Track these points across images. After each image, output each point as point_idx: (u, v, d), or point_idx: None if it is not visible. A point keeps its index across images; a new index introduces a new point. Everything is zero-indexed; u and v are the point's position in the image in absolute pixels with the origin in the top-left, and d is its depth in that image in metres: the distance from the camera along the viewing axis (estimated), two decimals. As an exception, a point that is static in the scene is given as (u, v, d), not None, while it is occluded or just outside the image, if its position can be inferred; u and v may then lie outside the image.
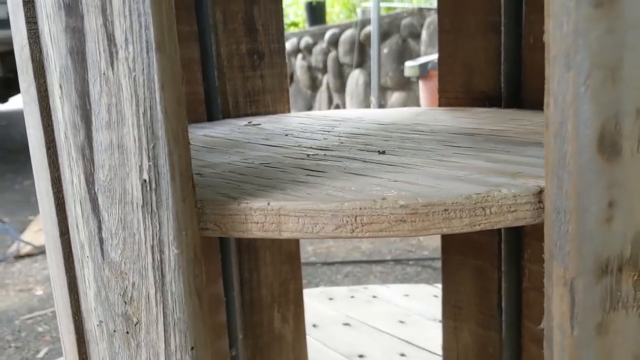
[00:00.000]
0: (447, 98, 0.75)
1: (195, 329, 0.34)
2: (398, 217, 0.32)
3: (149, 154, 0.31)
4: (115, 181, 0.33)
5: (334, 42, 5.05)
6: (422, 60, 2.21)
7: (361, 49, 4.71)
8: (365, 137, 0.54)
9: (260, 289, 0.80)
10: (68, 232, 0.39)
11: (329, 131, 0.59)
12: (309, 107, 5.68)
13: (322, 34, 5.30)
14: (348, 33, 4.84)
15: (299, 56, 5.70)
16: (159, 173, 0.32)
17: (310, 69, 5.59)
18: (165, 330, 0.34)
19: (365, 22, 4.61)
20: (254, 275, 0.79)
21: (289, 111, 0.79)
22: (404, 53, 4.25)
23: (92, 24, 0.31)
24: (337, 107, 5.19)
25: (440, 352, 0.83)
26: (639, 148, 0.31)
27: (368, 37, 4.50)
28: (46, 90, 0.38)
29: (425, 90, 2.17)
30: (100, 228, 0.35)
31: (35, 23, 0.37)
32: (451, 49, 0.74)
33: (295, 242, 0.82)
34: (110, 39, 0.31)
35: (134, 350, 0.35)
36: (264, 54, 0.76)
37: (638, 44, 0.30)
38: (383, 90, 4.45)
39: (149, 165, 0.32)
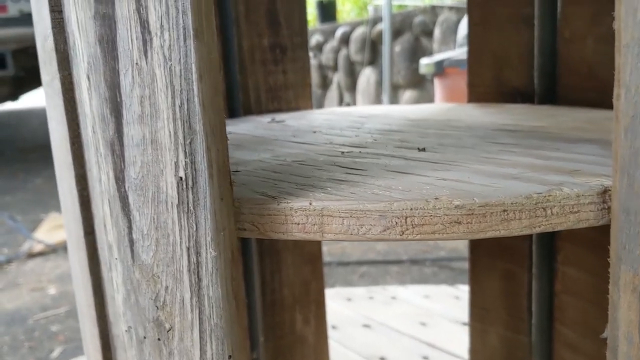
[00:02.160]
0: (477, 93, 0.72)
1: (233, 336, 0.31)
2: (453, 218, 0.30)
3: (185, 150, 0.29)
4: (148, 178, 0.31)
5: (345, 40, 5.02)
6: (437, 57, 2.18)
7: (372, 47, 4.67)
8: (398, 133, 0.51)
9: (282, 290, 0.78)
10: (94, 232, 0.37)
11: (358, 127, 0.56)
12: (320, 106, 5.65)
13: (333, 32, 5.27)
14: (359, 31, 4.81)
15: (310, 54, 5.67)
16: (196, 170, 0.29)
17: (320, 67, 5.57)
18: (200, 338, 0.31)
19: (376, 20, 4.57)
20: (276, 276, 0.77)
21: (311, 107, 0.77)
22: (416, 51, 4.21)
23: (124, 9, 0.29)
24: (348, 105, 5.16)
25: (465, 355, 0.81)
26: None
27: (379, 35, 4.46)
28: (71, 82, 0.35)
29: (441, 89, 2.14)
30: (130, 228, 0.32)
31: (60, 12, 0.35)
32: (481, 42, 0.71)
33: (318, 243, 0.80)
34: (144, 25, 0.29)
35: (166, 359, 0.33)
36: (286, 47, 0.73)
37: None
38: (395, 88, 4.41)
39: (185, 162, 0.29)
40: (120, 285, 0.34)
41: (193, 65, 0.28)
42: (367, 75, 4.74)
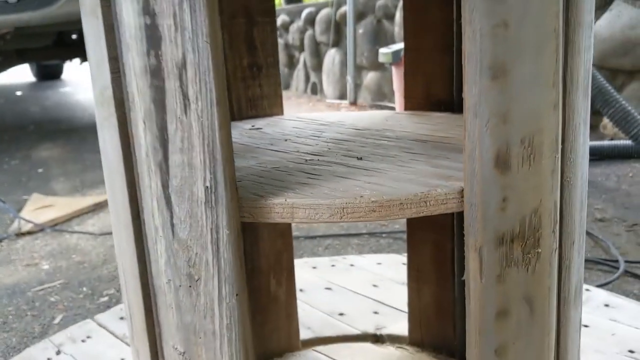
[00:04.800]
0: (411, 103, 0.93)
1: (238, 282, 0.51)
2: (370, 208, 0.50)
3: (210, 170, 0.49)
4: (185, 186, 0.50)
5: (311, 21, 5.17)
6: (395, 47, 2.38)
7: (337, 29, 4.84)
8: (346, 142, 0.71)
9: (259, 259, 0.97)
10: (139, 218, 0.56)
11: (318, 136, 0.76)
12: (287, 85, 5.80)
13: (299, 12, 5.40)
14: (324, 12, 4.96)
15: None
16: (217, 182, 0.49)
17: (287, 46, 5.70)
18: (219, 284, 0.51)
19: (340, 2, 4.73)
20: (254, 248, 0.97)
21: (282, 113, 0.96)
22: (378, 34, 4.40)
23: (171, 85, 0.48)
24: (314, 85, 5.33)
25: (406, 309, 1.02)
26: (523, 164, 0.49)
27: (344, 16, 4.63)
28: (124, 120, 0.54)
29: (398, 76, 2.34)
30: (172, 217, 0.52)
31: (117, 72, 0.53)
32: (414, 64, 0.91)
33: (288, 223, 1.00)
34: (185, 96, 0.48)
35: (195, 298, 0.53)
36: (261, 66, 0.92)
37: (520, 99, 0.48)
38: (359, 69, 4.60)
39: (210, 177, 0.49)
40: (163, 253, 0.54)
41: (216, 122, 0.47)
42: (332, 56, 4.91)
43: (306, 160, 0.64)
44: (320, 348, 1.03)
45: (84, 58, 4.58)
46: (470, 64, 0.47)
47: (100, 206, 2.36)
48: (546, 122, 0.49)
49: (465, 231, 0.51)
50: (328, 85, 4.99)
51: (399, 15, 4.14)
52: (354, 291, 1.24)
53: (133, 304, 0.61)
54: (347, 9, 4.45)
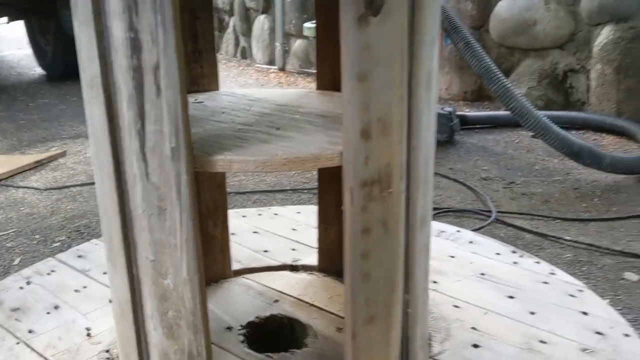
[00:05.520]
0: (322, 84, 1.19)
1: (193, 211, 0.77)
2: (282, 162, 0.76)
3: (175, 135, 0.73)
4: (157, 147, 0.74)
5: (241, -13, 5.29)
6: (318, 22, 2.62)
7: (267, -4, 5.00)
8: (269, 116, 0.97)
9: (201, 206, 1.22)
10: (119, 169, 0.80)
11: (248, 110, 1.01)
12: (217, 49, 5.91)
13: (229, -22, 5.50)
14: (254, -22, 5.10)
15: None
16: (179, 144, 0.74)
17: (217, 10, 5.80)
18: (180, 212, 0.76)
19: (270, -30, 4.88)
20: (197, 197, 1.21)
21: (218, 89, 1.20)
22: (306, 2, 4.60)
23: (149, 79, 0.72)
24: (244, 49, 5.48)
25: (317, 245, 1.30)
26: (378, 136, 0.77)
27: (273, -16, 4.79)
28: (110, 98, 0.77)
29: (320, 50, 2.60)
30: (147, 167, 0.76)
31: (105, 65, 0.76)
32: (323, 53, 1.17)
33: (223, 176, 1.24)
34: (158, 87, 0.72)
35: (163, 222, 0.78)
36: (202, 51, 1.15)
37: (377, 94, 0.75)
38: (287, 36, 4.80)
39: (174, 140, 0.73)
40: (139, 192, 0.78)
41: (179, 104, 0.72)
42: (261, 22, 5.07)
43: (239, 129, 0.89)
44: (248, 275, 1.30)
45: (11, 17, 4.52)
46: (345, 71, 0.74)
47: (42, 164, 2.51)
48: (395, 109, 0.77)
49: (343, 178, 0.78)
50: (257, 50, 5.16)
51: (325, -14, 4.35)
52: (277, 234, 1.51)
53: (112, 229, 0.85)
54: (277, -24, 4.61)
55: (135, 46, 0.72)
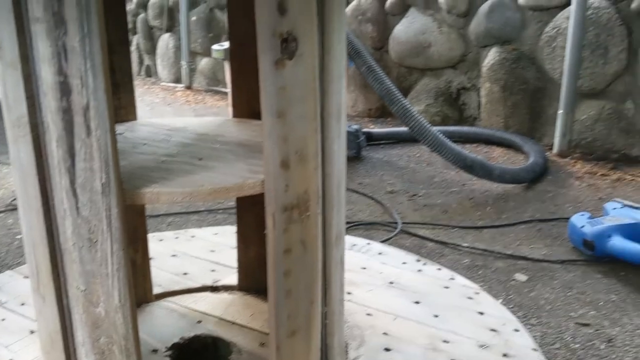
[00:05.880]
0: (238, 112, 1.26)
1: (123, 241, 0.81)
2: (208, 192, 0.83)
3: (105, 172, 0.78)
4: (87, 183, 0.79)
5: (143, 5, 5.23)
6: (227, 44, 2.68)
7: (170, 14, 4.98)
8: (190, 146, 1.03)
9: (121, 233, 1.24)
10: (47, 204, 0.83)
11: (168, 140, 1.06)
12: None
13: (131, -4, 5.41)
14: (157, -3, 5.06)
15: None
16: (109, 179, 0.78)
17: (119, 28, 5.67)
18: (111, 242, 0.81)
19: (173, -12, 4.87)
20: (116, 224, 1.24)
21: (136, 119, 1.23)
22: (211, 22, 4.64)
23: (79, 120, 0.76)
24: (148, 67, 5.41)
25: (237, 265, 1.36)
26: (297, 165, 0.85)
27: (177, 3, 4.78)
28: (38, 138, 0.81)
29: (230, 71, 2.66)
30: (77, 202, 0.80)
31: (33, 106, 0.80)
32: (239, 81, 1.24)
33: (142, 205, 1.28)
34: (88, 127, 0.76)
35: (94, 254, 0.82)
36: (119, 84, 1.19)
37: (294, 128, 0.83)
38: (193, 55, 4.81)
39: (105, 176, 0.78)
40: (69, 225, 0.81)
41: (109, 142, 0.76)
42: (165, 41, 5.04)
43: (163, 161, 0.94)
44: (170, 298, 1.33)
45: None
46: (265, 108, 0.82)
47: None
48: (310, 140, 0.86)
49: (265, 204, 0.86)
50: (163, 68, 5.12)
51: (230, 6, 4.41)
52: (195, 256, 1.55)
53: (40, 262, 0.87)
54: (180, -4, 4.62)
55: (64, 89, 0.76)
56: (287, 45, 0.80)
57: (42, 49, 0.75)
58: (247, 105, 1.25)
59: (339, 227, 0.99)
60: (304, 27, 0.81)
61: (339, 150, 0.95)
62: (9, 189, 2.45)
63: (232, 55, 1.24)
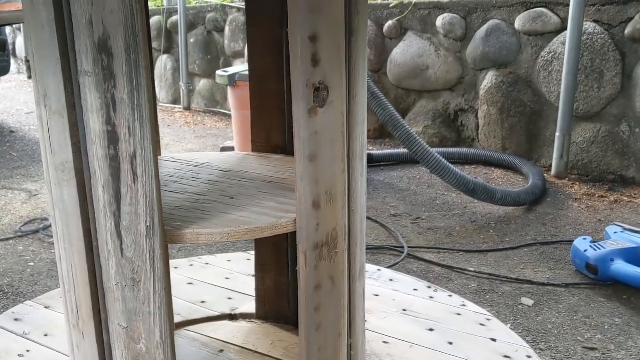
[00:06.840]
0: (257, 147, 1.30)
1: (166, 280, 0.85)
2: (244, 232, 0.87)
3: (150, 215, 0.82)
4: (132, 226, 0.83)
5: (141, 27, 5.28)
6: (231, 70, 2.73)
7: (168, 36, 5.04)
8: (219, 184, 1.07)
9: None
10: (91, 244, 0.87)
11: (197, 178, 1.11)
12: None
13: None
14: (155, 19, 5.12)
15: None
16: (154, 223, 0.82)
17: (116, 49, 5.72)
18: (154, 282, 0.85)
19: (171, 11, 4.93)
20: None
21: (160, 154, 1.28)
22: (209, 44, 4.70)
23: (125, 167, 0.80)
24: (146, 88, 5.45)
25: (253, 293, 1.40)
26: (327, 205, 0.90)
27: (175, 25, 4.84)
28: (82, 181, 0.85)
29: (234, 97, 2.70)
30: (122, 244, 0.84)
31: (79, 152, 0.84)
32: (258, 119, 1.29)
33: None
34: (135, 173, 0.80)
35: (137, 293, 0.86)
36: (145, 121, 1.23)
37: (324, 170, 0.88)
38: (191, 76, 4.86)
39: (149, 220, 0.82)
40: (113, 266, 0.85)
41: (154, 187, 0.81)
42: (164, 62, 5.10)
43: (196, 200, 0.99)
44: (190, 327, 1.37)
45: None
46: (298, 152, 0.87)
47: (-54, 220, 2.39)
48: (339, 181, 0.91)
49: (297, 242, 0.90)
50: (161, 90, 5.17)
51: (227, 30, 4.48)
52: (211, 284, 1.59)
53: (82, 300, 0.91)
54: (178, 19, 4.68)
55: (112, 138, 0.80)
56: (319, 94, 0.86)
57: (91, 100, 0.80)
58: (265, 140, 1.29)
59: (362, 260, 1.03)
60: (334, 77, 0.87)
61: (362, 187, 1.00)
62: (16, 215, 2.48)
63: (252, 92, 1.29)
